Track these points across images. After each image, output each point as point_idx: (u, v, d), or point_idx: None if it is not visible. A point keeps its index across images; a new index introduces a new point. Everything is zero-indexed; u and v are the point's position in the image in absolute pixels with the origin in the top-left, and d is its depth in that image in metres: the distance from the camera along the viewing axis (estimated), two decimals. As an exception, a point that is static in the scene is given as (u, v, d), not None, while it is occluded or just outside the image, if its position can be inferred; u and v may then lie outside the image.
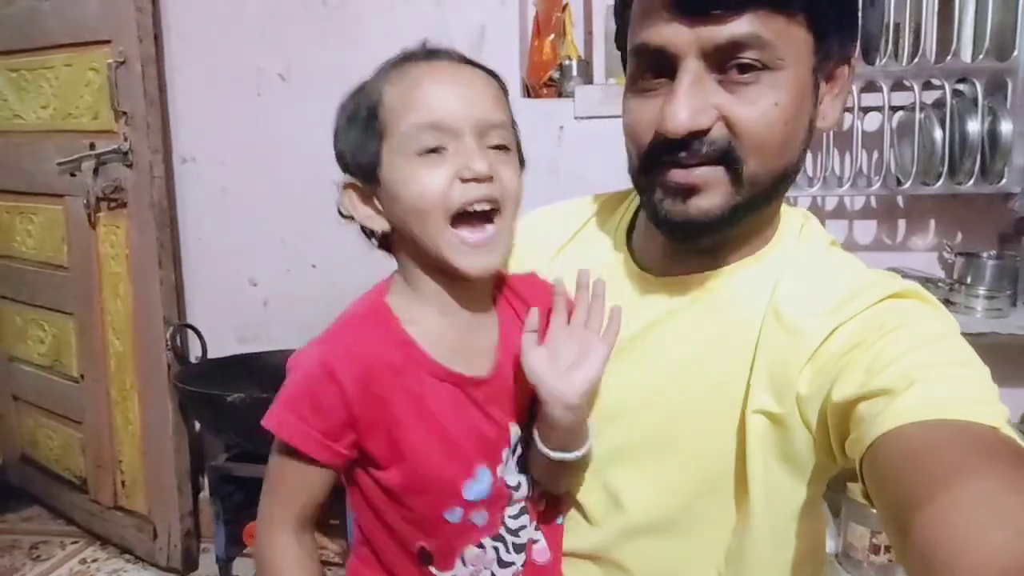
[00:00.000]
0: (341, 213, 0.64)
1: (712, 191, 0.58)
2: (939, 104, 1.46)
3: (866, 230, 1.66)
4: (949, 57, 1.40)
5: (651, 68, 0.58)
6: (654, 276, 0.67)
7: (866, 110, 1.51)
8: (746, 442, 0.61)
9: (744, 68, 0.55)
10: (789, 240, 0.66)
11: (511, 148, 0.62)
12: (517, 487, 0.65)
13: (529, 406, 0.65)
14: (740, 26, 0.53)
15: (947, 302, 1.49)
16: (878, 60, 1.43)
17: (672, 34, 0.55)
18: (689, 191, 0.58)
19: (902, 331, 0.54)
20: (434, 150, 0.58)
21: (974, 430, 0.47)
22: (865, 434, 0.50)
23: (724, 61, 0.55)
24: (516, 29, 1.69)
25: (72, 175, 1.82)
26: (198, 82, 1.88)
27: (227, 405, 1.54)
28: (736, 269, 0.65)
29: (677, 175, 0.58)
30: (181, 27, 1.86)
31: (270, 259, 1.90)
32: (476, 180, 0.58)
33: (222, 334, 1.93)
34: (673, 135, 0.56)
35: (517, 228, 0.64)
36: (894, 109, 1.48)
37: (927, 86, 1.44)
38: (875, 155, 1.58)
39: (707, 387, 0.63)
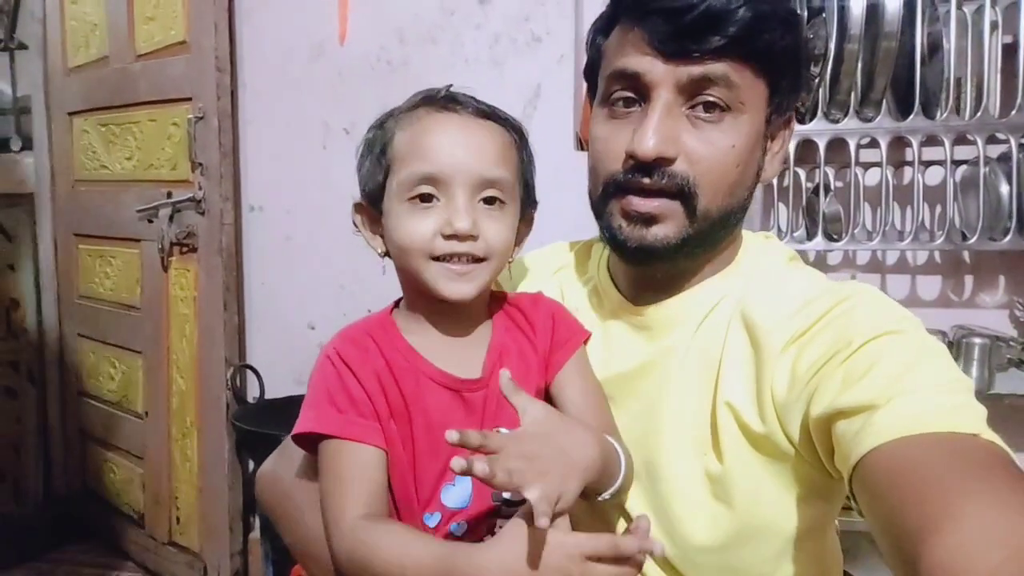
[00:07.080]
0: (355, 225, 0.70)
1: (668, 221, 0.63)
2: (1004, 158, 1.43)
3: (930, 286, 1.61)
4: (1015, 112, 1.38)
5: (625, 92, 0.63)
6: (633, 306, 0.71)
7: (927, 164, 1.48)
8: (719, 439, 0.62)
9: (709, 107, 0.61)
10: (751, 258, 0.70)
11: (506, 202, 0.63)
12: (509, 503, 0.63)
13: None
14: (713, 68, 0.59)
15: (1020, 362, 1.42)
16: (939, 114, 1.41)
17: (650, 66, 0.61)
18: (649, 220, 0.63)
19: (870, 340, 0.55)
20: (426, 199, 0.61)
21: (957, 443, 0.48)
22: (850, 453, 0.51)
23: (694, 94, 0.61)
24: (571, 85, 1.73)
25: (149, 221, 1.94)
26: (268, 136, 1.99)
27: (281, 445, 1.57)
28: (703, 288, 0.69)
29: (638, 203, 0.63)
30: (255, 86, 1.98)
31: (328, 304, 1.96)
32: (457, 238, 0.60)
33: (280, 376, 1.98)
34: (643, 158, 0.60)
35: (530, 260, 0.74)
36: (956, 163, 1.45)
37: (991, 140, 1.41)
38: (937, 209, 1.54)
39: (683, 404, 0.65)
